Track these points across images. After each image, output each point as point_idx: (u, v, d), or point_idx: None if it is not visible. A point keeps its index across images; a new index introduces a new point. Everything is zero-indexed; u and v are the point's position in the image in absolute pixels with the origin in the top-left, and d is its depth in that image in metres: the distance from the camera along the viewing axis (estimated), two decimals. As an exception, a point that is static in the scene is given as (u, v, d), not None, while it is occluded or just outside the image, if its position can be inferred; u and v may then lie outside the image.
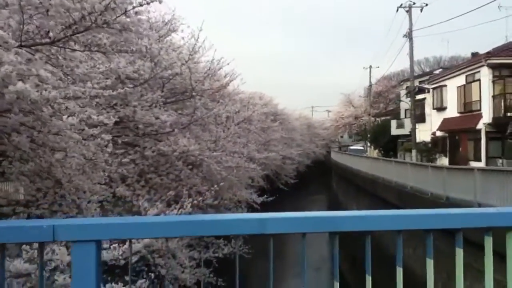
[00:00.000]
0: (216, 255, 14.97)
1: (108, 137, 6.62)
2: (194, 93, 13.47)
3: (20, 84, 4.66)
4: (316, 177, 63.07)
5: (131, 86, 11.83)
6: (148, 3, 6.42)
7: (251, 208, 20.27)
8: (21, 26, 4.96)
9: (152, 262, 12.81)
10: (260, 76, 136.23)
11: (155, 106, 12.61)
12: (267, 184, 34.46)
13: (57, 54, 5.89)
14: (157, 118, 11.88)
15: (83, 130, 6.04)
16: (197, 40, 13.75)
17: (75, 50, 6.92)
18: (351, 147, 30.07)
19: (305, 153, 56.70)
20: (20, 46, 5.01)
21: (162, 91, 13.37)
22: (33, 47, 5.24)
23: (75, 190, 8.62)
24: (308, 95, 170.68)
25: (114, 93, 7.30)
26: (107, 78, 10.21)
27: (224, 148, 15.96)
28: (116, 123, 12.64)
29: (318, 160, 69.78)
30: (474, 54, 37.19)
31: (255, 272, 22.90)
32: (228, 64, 16.46)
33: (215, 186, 15.94)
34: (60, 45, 6.41)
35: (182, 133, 13.32)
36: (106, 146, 6.99)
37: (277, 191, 34.93)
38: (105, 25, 8.30)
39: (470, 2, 24.10)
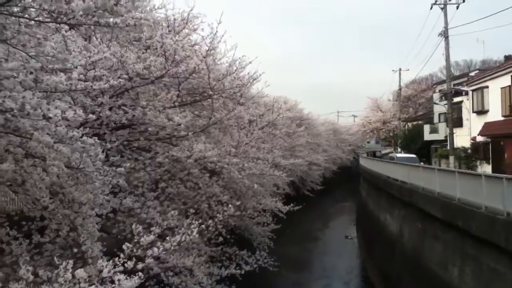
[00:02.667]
0: (239, 271, 13.49)
1: (90, 140, 5.25)
2: (212, 93, 12.07)
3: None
4: (343, 183, 61.53)
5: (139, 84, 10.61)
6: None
7: (276, 217, 18.95)
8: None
9: (166, 281, 11.53)
10: (284, 80, 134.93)
11: (170, 107, 11.30)
12: (293, 191, 33.19)
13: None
14: (170, 119, 10.52)
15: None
16: (215, 34, 12.34)
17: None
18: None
19: (331, 159, 55.17)
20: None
21: (178, 91, 12.05)
22: None
23: (69, 202, 7.34)
24: (333, 99, 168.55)
25: (106, 85, 5.93)
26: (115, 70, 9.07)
27: (246, 153, 14.60)
28: (125, 126, 11.47)
29: (344, 166, 68.19)
30: (508, 57, 34.94)
31: (281, 287, 21.53)
32: (250, 63, 15.09)
33: (238, 196, 14.94)
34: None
35: (199, 137, 11.93)
36: (97, 152, 5.66)
37: (303, 198, 33.59)
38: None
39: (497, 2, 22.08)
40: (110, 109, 10.77)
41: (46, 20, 4.40)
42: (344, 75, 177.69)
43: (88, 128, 10.26)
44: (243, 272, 13.56)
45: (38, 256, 7.50)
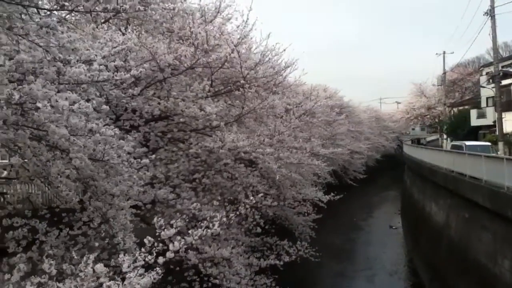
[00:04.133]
0: (279, 262, 13.31)
1: (110, 132, 5.18)
2: (244, 82, 11.88)
3: None
4: (387, 172, 60.13)
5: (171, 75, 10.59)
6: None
7: (316, 207, 18.65)
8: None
9: (205, 272, 11.54)
10: (323, 68, 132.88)
11: (203, 97, 11.21)
12: (335, 180, 32.70)
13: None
14: (202, 110, 10.43)
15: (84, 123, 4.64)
16: (246, 21, 12.12)
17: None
18: (469, 143, 24.87)
19: (374, 147, 53.92)
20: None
21: (211, 80, 11.95)
22: None
23: (102, 194, 7.38)
24: (375, 86, 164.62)
25: (127, 75, 5.83)
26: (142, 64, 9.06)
27: (283, 143, 14.36)
28: (161, 117, 11.52)
29: (388, 154, 66.58)
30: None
31: (324, 278, 21.24)
32: (284, 50, 14.81)
33: (276, 186, 14.83)
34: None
35: (232, 127, 11.80)
36: (121, 144, 5.61)
37: (345, 187, 33.01)
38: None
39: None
40: (146, 100, 10.86)
41: (54, 8, 4.33)
42: (387, 61, 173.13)
43: (124, 121, 10.55)
44: (282, 262, 13.38)
45: (75, 248, 7.62)
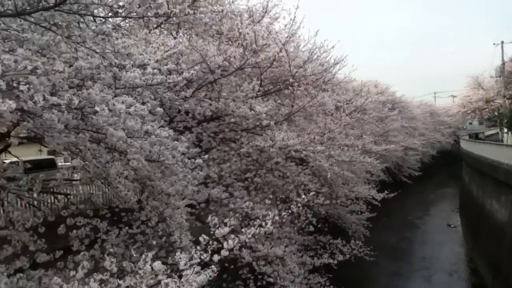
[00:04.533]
0: (333, 260, 13.18)
1: (164, 133, 5.33)
2: (293, 80, 11.86)
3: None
4: (443, 168, 57.97)
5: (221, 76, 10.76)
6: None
7: (370, 205, 18.29)
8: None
9: (259, 270, 11.63)
10: (373, 62, 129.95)
11: (252, 97, 11.32)
12: (388, 178, 31.95)
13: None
14: (252, 109, 10.52)
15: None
16: (293, 20, 12.10)
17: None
18: None
19: (429, 143, 52.10)
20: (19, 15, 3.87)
21: (260, 80, 12.03)
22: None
23: (158, 194, 7.61)
24: (428, 80, 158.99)
25: (179, 78, 5.98)
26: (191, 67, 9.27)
27: (334, 140, 14.19)
28: (213, 118, 11.74)
29: (444, 149, 64.17)
30: None
31: (379, 277, 20.79)
32: (333, 47, 14.65)
33: (328, 184, 14.68)
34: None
35: (282, 126, 11.81)
36: (175, 145, 5.78)
37: (400, 185, 32.16)
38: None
39: None
40: (198, 102, 11.11)
41: (109, 15, 4.51)
42: (441, 55, 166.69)
43: (178, 122, 10.86)
44: (336, 261, 13.24)
45: (134, 246, 7.90)
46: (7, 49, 3.54)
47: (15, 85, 2.84)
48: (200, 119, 11.10)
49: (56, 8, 4.04)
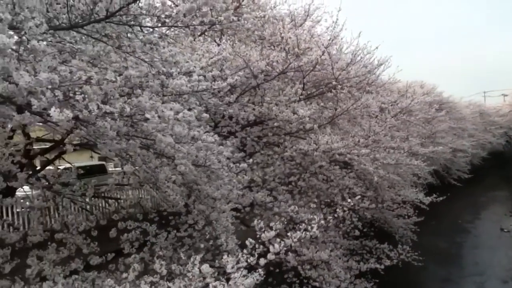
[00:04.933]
0: (379, 265, 12.93)
1: (210, 138, 5.42)
2: (336, 83, 11.78)
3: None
4: (495, 170, 55.48)
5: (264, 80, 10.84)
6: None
7: (417, 209, 17.81)
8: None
9: (304, 274, 11.59)
10: (420, 63, 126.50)
11: (295, 101, 11.33)
12: (436, 181, 31.01)
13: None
14: (295, 113, 10.53)
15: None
16: (335, 22, 12.02)
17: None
18: None
19: (479, 144, 50.03)
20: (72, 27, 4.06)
21: (303, 84, 12.02)
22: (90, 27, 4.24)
23: (204, 198, 7.76)
24: (477, 79, 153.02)
25: (224, 84, 6.08)
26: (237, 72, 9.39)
27: (378, 143, 13.96)
28: (256, 122, 11.84)
29: (495, 151, 61.38)
30: None
31: (428, 283, 20.16)
32: (376, 48, 14.45)
33: (373, 188, 14.45)
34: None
35: (326, 129, 11.74)
36: (221, 150, 5.90)
37: (448, 188, 31.10)
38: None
39: None
40: (242, 107, 11.25)
41: (156, 25, 4.65)
42: (490, 52, 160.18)
43: (222, 127, 11.03)
44: (383, 266, 12.98)
45: (181, 249, 8.08)
46: (61, 61, 3.74)
47: (71, 95, 2.99)
48: (244, 123, 11.21)
49: (107, 20, 4.22)
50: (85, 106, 3.04)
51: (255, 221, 5.65)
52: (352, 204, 7.81)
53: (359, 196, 9.65)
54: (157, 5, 4.71)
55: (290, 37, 11.29)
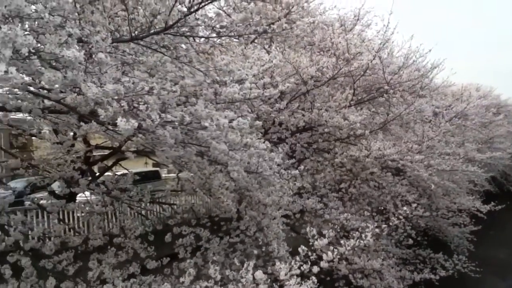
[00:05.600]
0: (434, 276, 12.50)
1: (262, 145, 5.45)
2: (388, 87, 11.55)
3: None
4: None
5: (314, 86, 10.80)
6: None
7: (474, 218, 17.07)
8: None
9: (355, 283, 11.39)
10: (475, 65, 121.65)
11: (346, 107, 11.21)
12: (494, 188, 29.59)
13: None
14: (345, 119, 10.41)
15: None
16: (387, 26, 11.82)
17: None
18: None
19: (542, 149, 47.39)
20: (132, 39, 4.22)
21: (353, 89, 11.87)
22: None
23: (255, 204, 7.82)
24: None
25: (275, 91, 6.12)
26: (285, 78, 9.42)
27: (432, 149, 13.54)
28: (305, 128, 11.80)
29: (562, 156, 57.87)
30: None
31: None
32: (429, 51, 14.07)
33: (427, 195, 14.00)
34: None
35: (377, 135, 11.52)
36: (272, 156, 5.93)
37: (508, 195, 29.59)
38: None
39: None
40: (291, 113, 11.26)
41: (211, 35, 4.76)
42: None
43: (271, 134, 11.08)
44: (438, 277, 12.54)
45: (233, 255, 8.16)
46: (123, 72, 3.91)
47: (135, 105, 3.12)
48: (294, 130, 11.20)
49: (165, 32, 4.37)
50: (147, 116, 3.16)
51: (308, 229, 5.63)
52: (407, 212, 7.60)
53: (415, 205, 9.42)
54: (211, 15, 4.83)
55: (340, 42, 11.20)
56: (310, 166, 11.76)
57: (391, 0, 11.84)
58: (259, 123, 5.89)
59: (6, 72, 2.11)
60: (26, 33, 2.65)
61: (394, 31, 12.41)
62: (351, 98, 11.50)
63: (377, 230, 5.85)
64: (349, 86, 12.04)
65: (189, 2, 4.54)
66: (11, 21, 2.68)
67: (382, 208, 12.46)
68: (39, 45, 2.77)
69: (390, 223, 7.60)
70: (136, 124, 2.90)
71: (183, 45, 5.39)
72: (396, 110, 11.95)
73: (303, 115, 10.92)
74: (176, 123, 3.63)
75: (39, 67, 2.63)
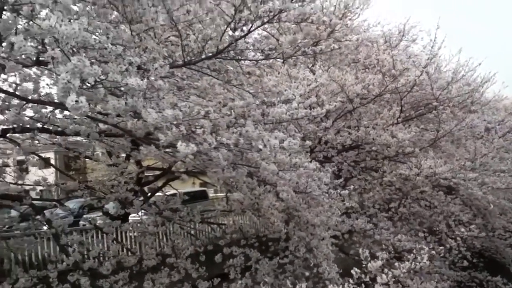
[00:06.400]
0: None
1: (312, 165, 5.43)
2: (436, 103, 11.28)
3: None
4: None
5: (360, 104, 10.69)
6: None
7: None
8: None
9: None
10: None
11: (393, 124, 11.01)
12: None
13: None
14: (394, 137, 10.21)
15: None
16: (434, 40, 11.58)
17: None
18: None
19: None
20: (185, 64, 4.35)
21: (401, 106, 11.66)
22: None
23: (304, 224, 7.75)
24: None
25: (323, 111, 6.11)
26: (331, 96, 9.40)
27: (486, 166, 13.00)
28: (352, 147, 11.65)
29: None
30: None
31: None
32: (479, 64, 13.65)
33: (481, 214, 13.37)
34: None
35: (427, 152, 11.22)
36: (321, 176, 5.90)
37: None
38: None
39: None
40: (337, 132, 11.18)
41: (260, 58, 4.84)
42: None
43: (317, 152, 11.01)
44: None
45: (282, 276, 8.10)
46: (178, 97, 4.06)
47: (192, 129, 3.22)
48: (340, 148, 11.10)
49: (217, 56, 4.49)
50: (203, 139, 3.24)
51: (360, 250, 5.52)
52: (463, 233, 7.31)
53: (473, 226, 9.06)
54: (256, 36, 4.92)
55: (385, 59, 11.08)
56: (357, 185, 11.56)
57: (438, 13, 11.63)
58: (308, 143, 5.89)
59: (77, 101, 2.24)
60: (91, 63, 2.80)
61: (442, 45, 12.15)
62: (399, 115, 11.29)
63: (433, 252, 5.64)
64: (396, 103, 11.84)
65: (236, 23, 4.66)
66: (78, 52, 2.84)
67: (435, 228, 12.05)
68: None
69: (445, 244, 7.32)
70: (195, 148, 2.98)
71: (230, 67, 5.51)
72: (447, 127, 11.60)
73: (350, 133, 10.81)
74: (231, 146, 3.69)
75: (103, 94, 2.76)
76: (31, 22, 3.09)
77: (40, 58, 3.77)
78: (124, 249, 7.53)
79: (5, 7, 3.00)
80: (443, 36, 12.05)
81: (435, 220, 12.23)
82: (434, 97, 11.72)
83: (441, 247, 7.16)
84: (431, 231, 12.06)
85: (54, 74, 2.56)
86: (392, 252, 8.91)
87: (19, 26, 3.29)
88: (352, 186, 8.73)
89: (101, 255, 6.71)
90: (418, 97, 12.40)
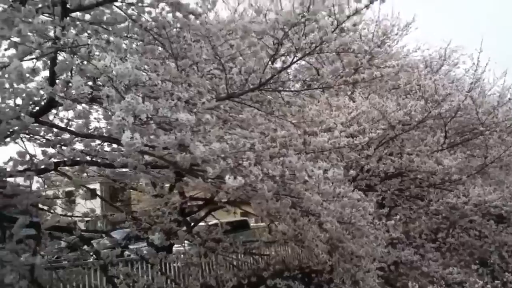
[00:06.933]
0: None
1: (356, 195, 5.34)
2: (483, 128, 10.95)
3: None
4: None
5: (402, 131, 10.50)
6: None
7: None
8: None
9: None
10: None
11: (438, 150, 10.72)
12: None
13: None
14: (439, 163, 9.93)
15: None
16: (477, 64, 11.34)
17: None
18: None
19: None
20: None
21: (445, 132, 11.38)
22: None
23: (348, 256, 7.56)
24: None
25: (366, 139, 6.05)
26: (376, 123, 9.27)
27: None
28: (395, 174, 11.38)
29: None
30: None
31: None
32: (527, 87, 13.17)
33: None
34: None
35: (475, 179, 10.82)
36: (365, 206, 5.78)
37: None
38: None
39: None
40: (379, 159, 10.97)
41: (303, 89, 4.88)
42: None
43: (359, 181, 10.82)
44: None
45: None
46: (225, 129, 4.15)
47: (239, 162, 3.26)
48: (383, 176, 10.87)
49: (260, 88, 4.57)
50: (250, 171, 3.27)
51: (409, 283, 5.33)
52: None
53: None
54: (296, 66, 4.97)
55: (427, 84, 10.90)
56: (402, 214, 11.23)
57: (479, 35, 11.43)
58: (352, 172, 5.82)
59: (132, 138, 2.33)
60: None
61: (485, 68, 11.88)
62: (443, 141, 11.01)
63: (488, 286, 5.37)
64: (439, 128, 11.56)
65: (275, 54, 4.73)
66: (130, 89, 2.96)
67: (486, 259, 11.47)
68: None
69: (500, 277, 6.95)
70: (243, 181, 3.01)
71: (271, 97, 5.57)
72: (495, 152, 11.20)
73: (393, 161, 10.59)
74: (277, 177, 3.69)
75: (154, 130, 2.85)
76: (85, 62, 3.26)
77: (93, 95, 3.95)
78: (169, 280, 7.55)
79: (64, 49, 3.18)
80: (487, 58, 11.75)
81: (486, 250, 11.66)
82: (480, 121, 11.39)
83: (497, 281, 6.81)
84: (482, 262, 11.48)
85: (109, 111, 2.67)
86: (443, 285, 8.56)
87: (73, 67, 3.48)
88: (397, 216, 8.49)
89: (146, 286, 6.75)
90: (462, 123, 12.10)
